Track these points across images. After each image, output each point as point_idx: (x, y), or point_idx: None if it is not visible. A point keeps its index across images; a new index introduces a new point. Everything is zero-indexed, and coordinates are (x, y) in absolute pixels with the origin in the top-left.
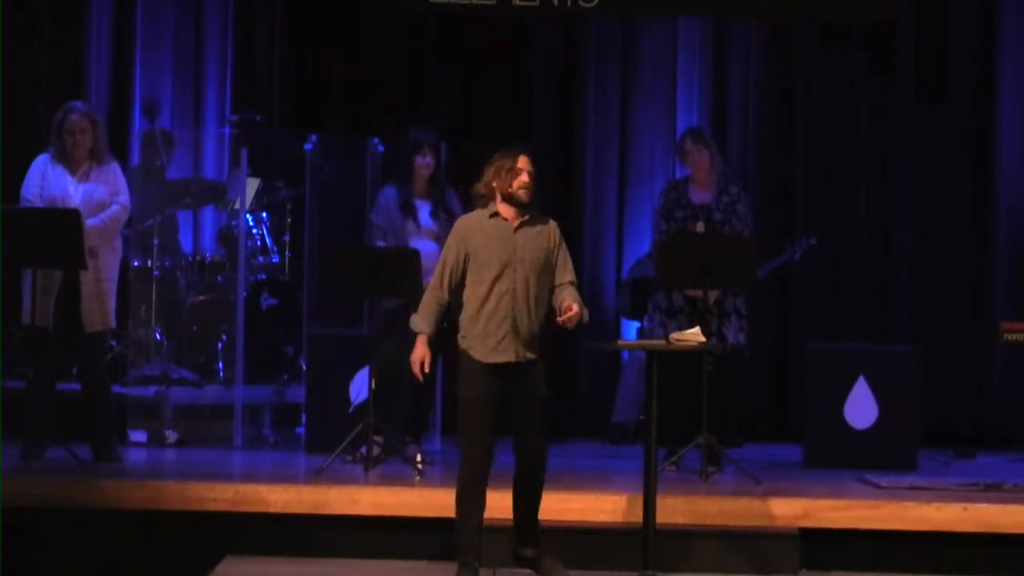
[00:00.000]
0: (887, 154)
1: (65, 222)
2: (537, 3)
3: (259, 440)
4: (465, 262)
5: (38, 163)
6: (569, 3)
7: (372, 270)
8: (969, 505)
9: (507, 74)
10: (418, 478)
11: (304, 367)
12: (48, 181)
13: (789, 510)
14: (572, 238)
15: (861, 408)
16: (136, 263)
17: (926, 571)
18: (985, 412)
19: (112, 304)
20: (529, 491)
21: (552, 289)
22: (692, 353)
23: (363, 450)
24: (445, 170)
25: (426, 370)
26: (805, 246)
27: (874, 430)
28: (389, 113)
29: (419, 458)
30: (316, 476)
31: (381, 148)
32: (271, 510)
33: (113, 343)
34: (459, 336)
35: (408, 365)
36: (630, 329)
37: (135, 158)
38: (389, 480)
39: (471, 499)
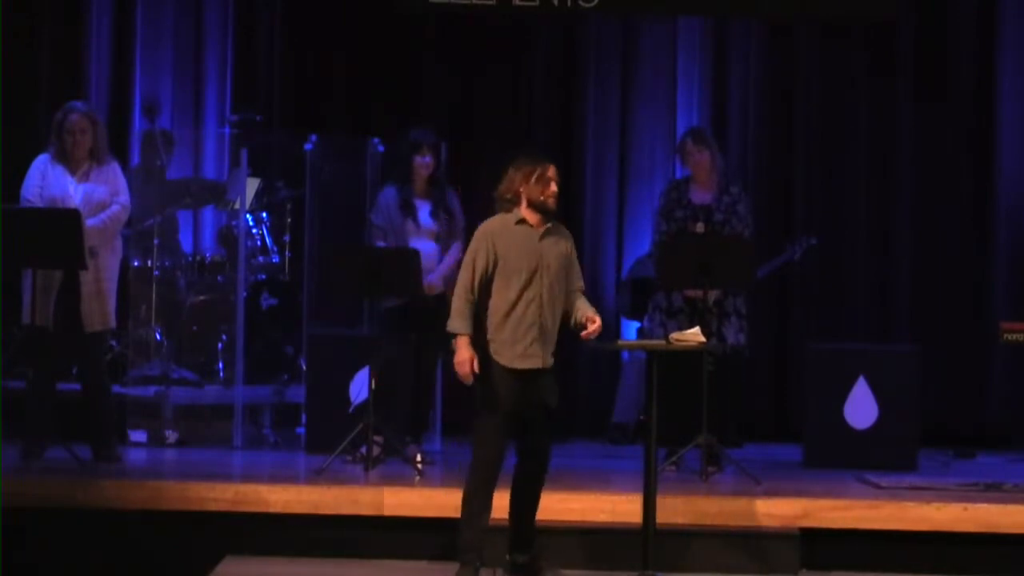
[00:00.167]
0: (887, 154)
1: (65, 222)
2: (537, 3)
3: (259, 440)
4: (494, 267)
5: (38, 163)
6: (569, 3)
7: (372, 270)
8: (969, 505)
9: (507, 74)
10: (418, 478)
11: (304, 367)
12: (48, 181)
13: (789, 510)
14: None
15: (861, 408)
16: (136, 263)
17: (926, 571)
18: (985, 412)
19: (112, 304)
20: (529, 492)
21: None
22: (692, 353)
23: (363, 450)
24: (445, 170)
25: (476, 370)
26: (805, 246)
27: (874, 430)
28: (389, 113)
29: (419, 458)
30: (316, 476)
31: (381, 148)
32: (271, 510)
33: (113, 343)
34: (487, 340)
35: (408, 365)
36: (630, 329)
37: (135, 158)
38: (389, 480)
39: (482, 500)
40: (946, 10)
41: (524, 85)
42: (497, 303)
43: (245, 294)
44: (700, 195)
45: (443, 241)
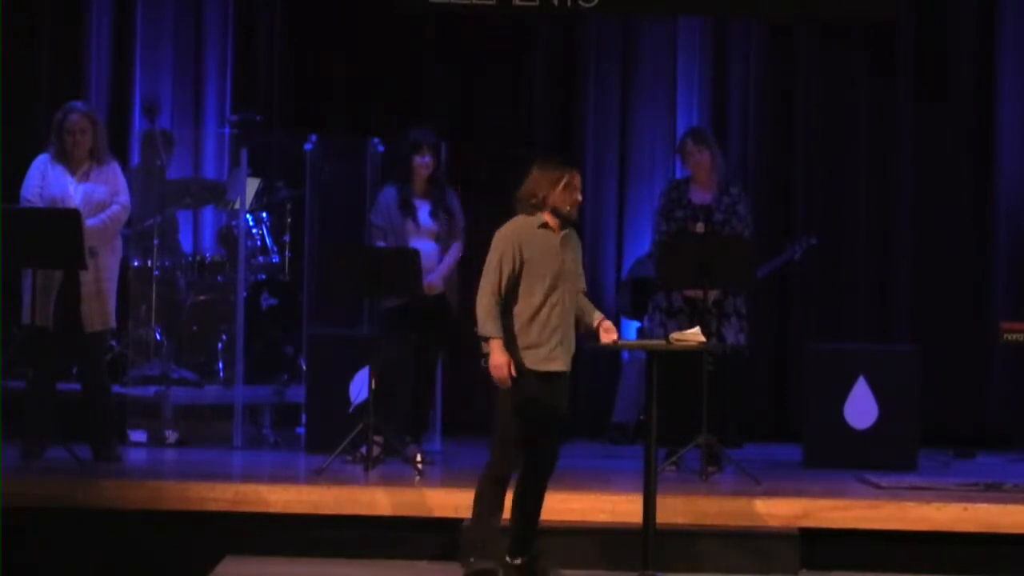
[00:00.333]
0: (887, 154)
1: (65, 222)
2: (537, 3)
3: (259, 440)
4: (520, 270)
5: (38, 163)
6: (569, 3)
7: (372, 270)
8: (969, 505)
9: (507, 74)
10: (418, 478)
11: (304, 367)
12: (48, 181)
13: (789, 510)
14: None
15: (861, 408)
16: (136, 263)
17: (926, 571)
18: (985, 412)
19: (112, 304)
20: (534, 493)
21: None
22: (692, 353)
23: (363, 450)
24: (445, 170)
25: (513, 373)
26: (805, 246)
27: (874, 430)
28: (389, 113)
29: (419, 458)
30: (316, 476)
31: (381, 148)
32: (271, 510)
33: (113, 343)
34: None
35: (408, 365)
36: (630, 329)
37: (135, 158)
38: (389, 480)
39: (496, 498)
40: (946, 10)
41: (524, 85)
42: (523, 307)
43: (245, 294)
44: (700, 195)
45: (443, 241)
